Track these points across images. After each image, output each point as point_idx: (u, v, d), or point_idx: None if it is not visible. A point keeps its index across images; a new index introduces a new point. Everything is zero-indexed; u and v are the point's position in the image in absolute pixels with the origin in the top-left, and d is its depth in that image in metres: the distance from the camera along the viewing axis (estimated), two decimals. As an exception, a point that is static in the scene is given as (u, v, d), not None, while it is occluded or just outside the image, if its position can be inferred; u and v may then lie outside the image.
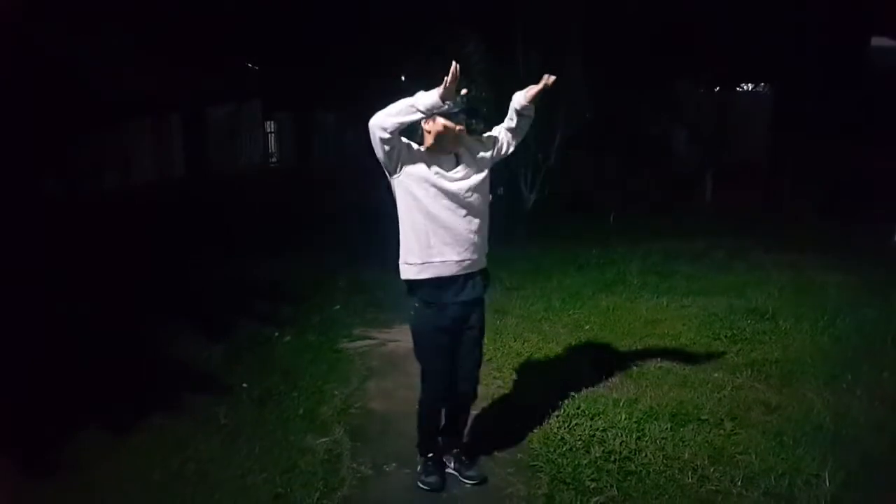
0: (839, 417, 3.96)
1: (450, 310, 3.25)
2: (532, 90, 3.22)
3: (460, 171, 3.20)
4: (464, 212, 3.18)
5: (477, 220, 3.22)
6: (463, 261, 3.20)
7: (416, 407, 3.51)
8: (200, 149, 14.86)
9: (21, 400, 4.11)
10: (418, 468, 3.52)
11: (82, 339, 5.15)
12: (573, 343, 5.32)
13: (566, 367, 4.89)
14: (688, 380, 4.54)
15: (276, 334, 5.71)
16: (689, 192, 12.60)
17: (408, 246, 3.21)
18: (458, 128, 3.15)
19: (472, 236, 3.20)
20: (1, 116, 6.66)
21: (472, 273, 3.27)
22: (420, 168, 3.14)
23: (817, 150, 10.95)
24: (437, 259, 3.17)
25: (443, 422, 3.55)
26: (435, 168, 3.15)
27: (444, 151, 3.18)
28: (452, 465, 3.56)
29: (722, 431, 3.83)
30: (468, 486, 3.46)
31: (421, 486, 3.45)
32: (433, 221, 3.15)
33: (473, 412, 4.07)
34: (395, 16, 13.33)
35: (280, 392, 4.55)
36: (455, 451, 3.56)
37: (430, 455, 3.50)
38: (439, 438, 3.55)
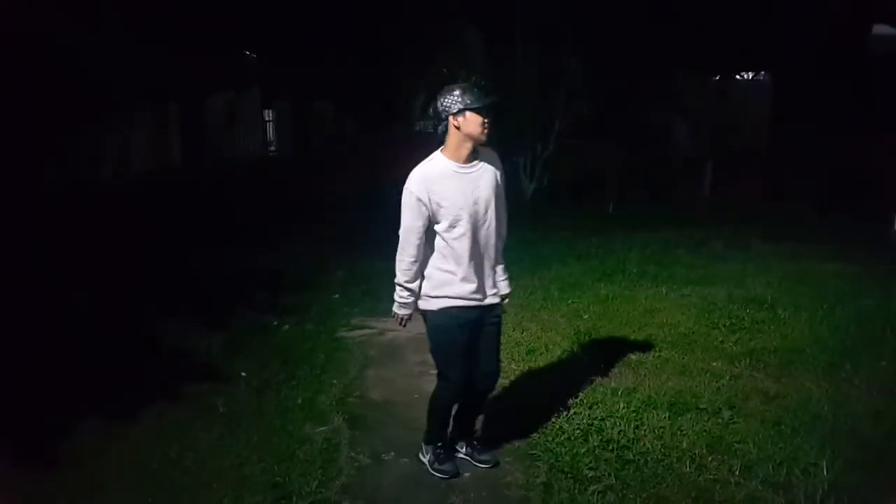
0: (837, 406, 3.96)
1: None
2: None
3: None
4: None
5: None
6: None
7: (432, 399, 3.43)
8: (199, 138, 14.83)
9: (20, 389, 4.11)
10: (427, 457, 3.48)
11: (81, 329, 5.15)
12: (572, 332, 5.31)
13: (564, 357, 4.89)
14: (686, 369, 4.55)
15: (275, 323, 5.72)
16: (689, 181, 12.59)
17: None
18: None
19: None
20: (1, 108, 6.63)
21: None
22: None
23: (817, 140, 10.92)
24: None
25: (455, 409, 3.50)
26: None
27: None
28: (464, 450, 3.55)
29: (720, 420, 3.83)
30: (480, 469, 3.47)
31: (437, 474, 3.42)
32: None
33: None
34: (394, 7, 13.31)
35: (279, 381, 4.55)
36: (469, 436, 3.56)
37: (440, 444, 3.48)
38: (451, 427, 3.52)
